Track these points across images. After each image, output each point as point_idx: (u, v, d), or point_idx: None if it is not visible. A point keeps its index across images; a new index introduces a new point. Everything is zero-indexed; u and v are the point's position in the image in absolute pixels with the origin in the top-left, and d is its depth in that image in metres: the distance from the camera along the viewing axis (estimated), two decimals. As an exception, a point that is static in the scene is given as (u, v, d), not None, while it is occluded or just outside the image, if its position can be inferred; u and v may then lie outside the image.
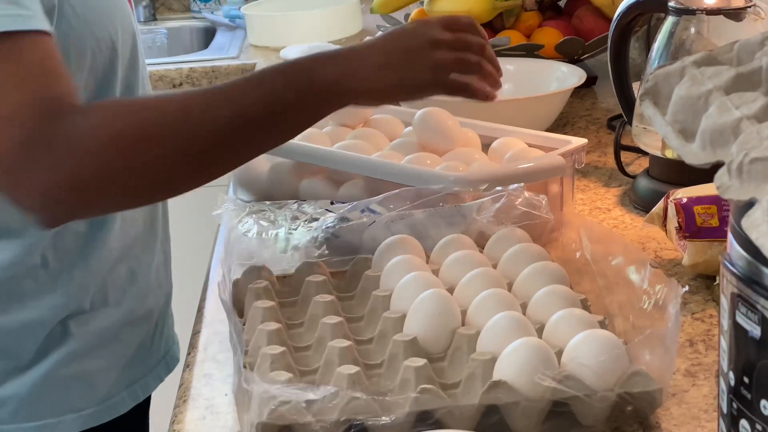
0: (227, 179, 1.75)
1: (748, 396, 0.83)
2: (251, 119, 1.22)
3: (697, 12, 1.66)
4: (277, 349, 1.14)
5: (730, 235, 0.86)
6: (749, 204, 0.77)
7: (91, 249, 1.33)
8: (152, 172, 1.19)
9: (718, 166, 0.85)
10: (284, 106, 1.24)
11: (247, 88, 1.24)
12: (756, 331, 0.81)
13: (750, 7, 1.64)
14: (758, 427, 0.82)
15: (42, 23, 1.16)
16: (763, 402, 0.81)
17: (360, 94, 1.30)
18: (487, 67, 1.34)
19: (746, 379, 0.83)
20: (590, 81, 2.15)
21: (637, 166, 1.76)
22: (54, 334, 1.34)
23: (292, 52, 2.68)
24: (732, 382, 0.86)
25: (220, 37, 3.04)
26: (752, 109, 0.84)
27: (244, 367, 1.14)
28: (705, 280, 1.38)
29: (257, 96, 1.22)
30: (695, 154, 0.86)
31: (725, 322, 0.87)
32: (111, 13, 1.35)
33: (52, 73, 1.16)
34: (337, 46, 2.67)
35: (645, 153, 1.72)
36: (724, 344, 0.87)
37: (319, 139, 1.68)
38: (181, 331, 1.59)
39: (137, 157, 1.17)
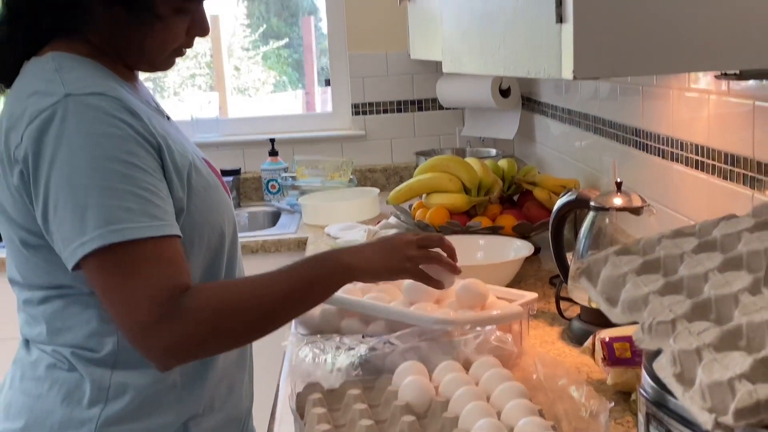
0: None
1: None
2: (299, 291, 1.24)
3: (610, 209, 1.65)
4: None
5: (643, 371, 0.85)
6: (657, 352, 0.78)
7: (204, 371, 1.29)
8: (240, 331, 1.20)
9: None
10: (318, 281, 1.27)
11: (297, 272, 1.26)
12: None
13: (645, 206, 1.65)
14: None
15: (174, 229, 1.16)
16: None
17: (363, 274, 1.32)
18: (444, 258, 1.38)
19: None
20: (536, 251, 2.11)
21: (572, 311, 1.70)
22: (179, 431, 1.29)
23: (333, 229, 2.65)
24: None
25: (284, 218, 3.03)
26: (656, 286, 0.84)
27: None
28: (623, 395, 1.33)
29: (303, 276, 1.25)
30: (618, 317, 0.86)
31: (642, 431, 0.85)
32: (221, 210, 1.32)
33: (178, 265, 1.15)
34: (362, 225, 2.66)
35: (577, 303, 1.68)
36: None
37: (353, 292, 1.61)
38: (259, 428, 1.53)
39: (230, 323, 1.17)
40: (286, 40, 3.98)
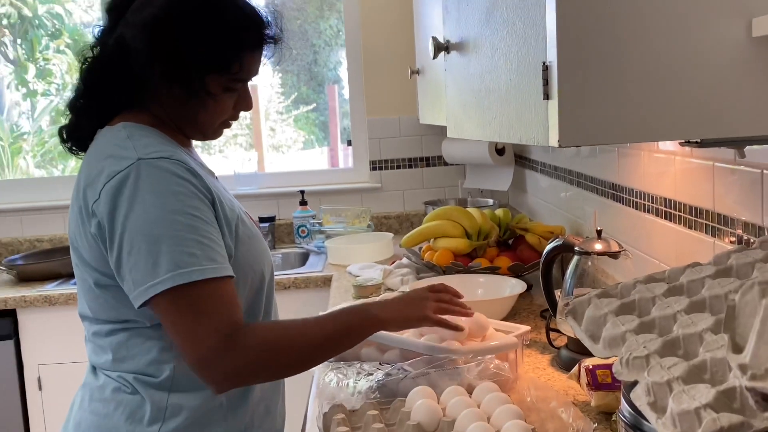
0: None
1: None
2: (338, 336, 1.25)
3: (592, 254, 1.64)
4: None
5: (622, 399, 0.83)
6: (634, 383, 0.76)
7: (246, 395, 1.28)
8: (286, 366, 1.20)
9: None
10: (354, 329, 1.28)
11: (337, 319, 1.27)
12: None
13: (622, 251, 1.64)
14: None
15: (230, 271, 1.16)
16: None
17: (388, 325, 1.33)
18: (455, 308, 1.42)
19: None
20: (528, 288, 2.11)
21: (560, 341, 1.70)
22: None
23: (354, 268, 2.66)
24: None
25: (312, 258, 3.02)
26: (632, 325, 0.82)
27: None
28: (605, 415, 1.32)
29: (342, 323, 1.26)
30: (600, 352, 0.84)
31: None
32: (261, 256, 1.31)
33: (233, 303, 1.14)
34: (379, 265, 2.65)
35: (564, 334, 1.68)
36: None
37: None
38: None
39: (279, 359, 1.18)
40: (314, 105, 3.99)
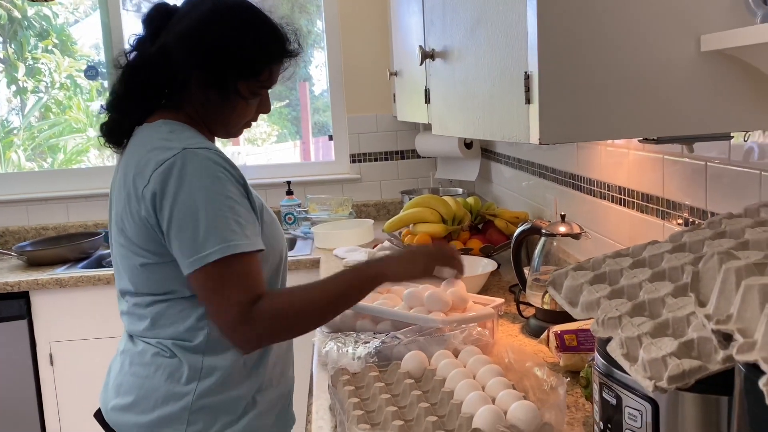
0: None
1: (609, 433, 0.83)
2: (345, 292, 1.26)
3: (556, 235, 1.69)
4: (358, 412, 1.14)
5: (596, 353, 0.87)
6: (608, 339, 0.81)
7: (264, 358, 1.32)
8: (300, 327, 1.24)
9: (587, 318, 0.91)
10: (358, 284, 1.28)
11: (342, 278, 1.27)
12: (613, 401, 0.83)
13: (583, 233, 1.69)
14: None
15: (260, 244, 1.19)
16: (616, 436, 0.82)
17: (391, 277, 1.31)
18: (456, 263, 1.41)
19: (609, 425, 0.85)
20: (498, 267, 2.14)
21: (528, 312, 1.75)
22: (249, 402, 1.30)
23: (340, 251, 2.68)
24: (601, 426, 0.87)
25: (299, 243, 3.02)
26: (605, 293, 0.87)
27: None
28: (572, 373, 1.36)
29: (347, 281, 1.27)
30: (578, 315, 0.89)
31: (596, 397, 0.87)
32: (279, 237, 1.35)
33: (257, 276, 1.18)
34: (363, 249, 2.65)
35: (532, 305, 1.72)
36: (596, 408, 0.88)
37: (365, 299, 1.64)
38: (299, 403, 1.54)
39: (293, 321, 1.21)
40: (287, 101, 4.01)
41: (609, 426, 0.85)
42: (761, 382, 0.42)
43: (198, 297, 1.19)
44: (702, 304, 0.62)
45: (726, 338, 0.53)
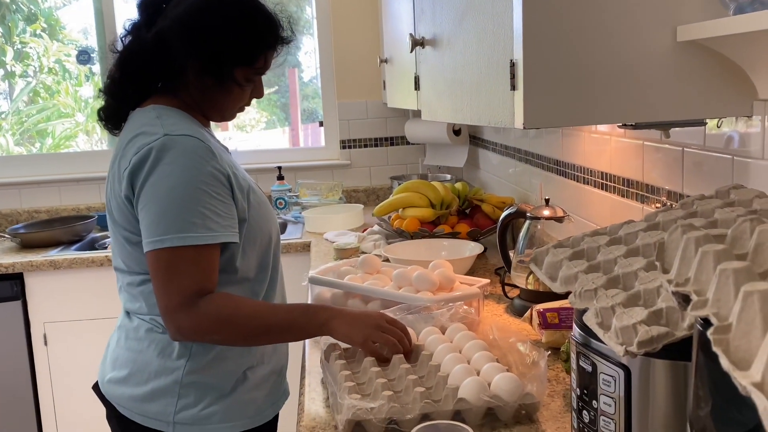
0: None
1: (586, 399, 0.88)
2: (285, 328, 1.26)
3: (540, 218, 1.72)
4: (350, 384, 1.17)
5: (574, 324, 0.91)
6: (584, 310, 0.84)
7: None
8: (237, 335, 1.23)
9: (566, 293, 0.94)
10: (302, 328, 1.27)
11: (291, 314, 1.26)
12: (589, 368, 0.86)
13: (566, 216, 1.73)
14: (592, 414, 0.86)
15: (223, 238, 1.17)
16: (593, 402, 0.86)
17: (333, 335, 1.28)
18: (399, 347, 1.28)
19: (585, 392, 0.88)
20: (484, 250, 2.12)
21: (513, 293, 1.76)
22: (239, 377, 1.31)
23: (330, 234, 2.68)
24: (578, 393, 0.90)
25: (290, 227, 3.00)
26: (582, 268, 0.91)
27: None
28: (554, 349, 1.39)
29: (293, 319, 1.26)
30: (558, 288, 0.92)
31: (574, 365, 0.91)
32: (269, 219, 1.35)
33: (210, 270, 1.18)
34: (353, 233, 2.65)
35: (517, 286, 1.74)
36: (574, 376, 0.91)
37: (356, 279, 1.67)
38: (293, 380, 1.54)
39: (227, 330, 1.20)
40: (276, 87, 4.01)
41: (585, 392, 0.88)
42: (709, 332, 0.48)
43: (150, 275, 1.20)
44: (666, 271, 0.67)
45: (685, 300, 0.58)
